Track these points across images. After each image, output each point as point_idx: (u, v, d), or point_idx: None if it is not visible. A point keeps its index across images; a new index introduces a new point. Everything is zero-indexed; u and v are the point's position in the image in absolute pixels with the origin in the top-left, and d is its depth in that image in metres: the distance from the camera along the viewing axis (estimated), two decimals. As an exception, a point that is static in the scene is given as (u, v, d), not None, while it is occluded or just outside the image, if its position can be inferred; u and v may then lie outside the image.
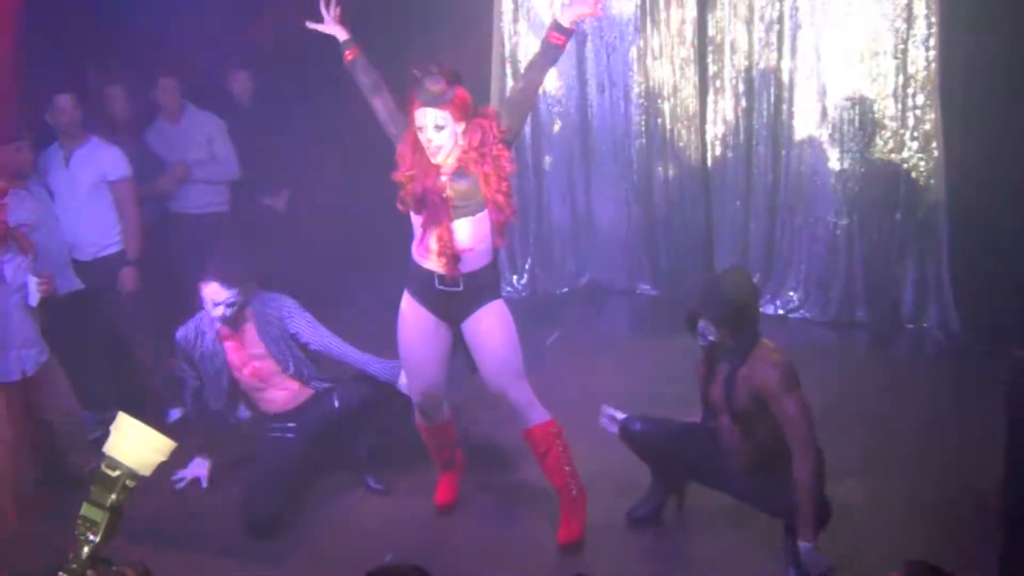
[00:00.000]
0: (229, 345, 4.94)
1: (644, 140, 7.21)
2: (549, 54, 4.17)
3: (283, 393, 4.99)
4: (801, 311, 6.91)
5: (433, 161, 4.07)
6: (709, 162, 7.10)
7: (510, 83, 7.28)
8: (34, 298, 4.80)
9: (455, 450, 4.77)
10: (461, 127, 4.04)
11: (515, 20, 7.24)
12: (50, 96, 5.54)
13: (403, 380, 4.72)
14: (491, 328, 4.26)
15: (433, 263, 4.17)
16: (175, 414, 5.99)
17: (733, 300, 3.96)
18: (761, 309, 4.15)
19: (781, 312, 6.95)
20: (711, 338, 3.98)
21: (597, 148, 7.34)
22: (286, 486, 4.81)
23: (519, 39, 7.26)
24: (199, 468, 5.14)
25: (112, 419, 5.52)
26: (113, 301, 5.74)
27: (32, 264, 4.84)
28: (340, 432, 4.98)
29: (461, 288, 4.20)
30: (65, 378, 5.15)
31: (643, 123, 7.16)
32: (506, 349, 4.29)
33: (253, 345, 4.94)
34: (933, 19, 6.19)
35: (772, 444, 3.99)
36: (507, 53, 7.29)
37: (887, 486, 4.74)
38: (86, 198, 5.60)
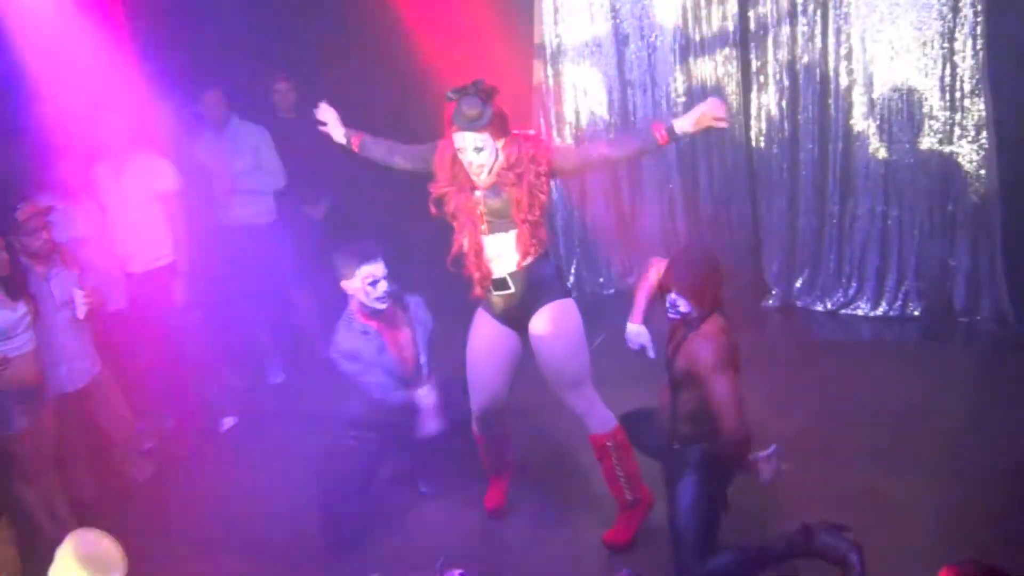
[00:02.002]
0: (388, 338, 4.72)
1: (688, 139, 7.14)
2: (646, 147, 4.15)
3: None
4: (853, 306, 6.82)
5: (477, 181, 4.09)
6: (755, 158, 7.03)
7: (551, 84, 7.29)
8: (81, 311, 4.88)
9: (507, 458, 4.78)
10: (501, 143, 4.05)
11: (556, 22, 7.22)
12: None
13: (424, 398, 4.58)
14: (546, 330, 4.23)
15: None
16: (228, 423, 6.07)
17: (699, 273, 4.00)
18: (724, 285, 4.13)
19: (832, 308, 6.86)
20: (682, 309, 4.01)
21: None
22: (369, 496, 4.77)
23: (560, 41, 7.24)
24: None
25: (166, 428, 5.64)
26: (165, 312, 5.81)
27: (78, 279, 4.92)
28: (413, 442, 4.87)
29: (513, 289, 4.21)
30: (118, 390, 5.23)
31: (686, 121, 7.11)
32: (562, 354, 4.24)
33: (407, 345, 4.78)
34: (979, 6, 6.08)
35: (689, 415, 4.06)
36: (548, 55, 7.28)
37: (943, 483, 4.67)
38: (137, 211, 5.68)
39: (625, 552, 4.39)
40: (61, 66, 5.76)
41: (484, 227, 4.13)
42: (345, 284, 4.62)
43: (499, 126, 4.02)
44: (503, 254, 4.17)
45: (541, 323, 4.22)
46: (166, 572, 4.63)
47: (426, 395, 4.59)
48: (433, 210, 4.24)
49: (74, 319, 4.91)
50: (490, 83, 4.02)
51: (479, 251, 4.16)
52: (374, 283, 4.55)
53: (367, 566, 4.44)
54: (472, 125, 3.97)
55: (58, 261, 4.89)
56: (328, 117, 4.64)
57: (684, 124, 4.04)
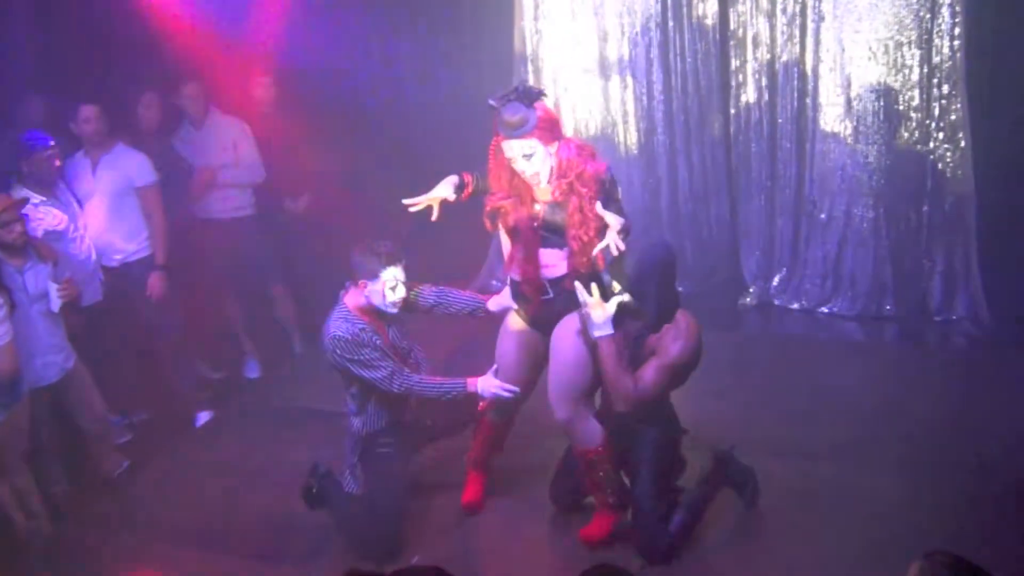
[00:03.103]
0: (383, 337, 4.52)
1: (667, 136, 7.18)
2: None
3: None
4: (829, 305, 6.86)
5: (536, 188, 4.00)
6: (733, 156, 7.06)
7: (531, 80, 7.29)
8: (56, 304, 4.85)
9: (498, 450, 4.78)
10: (553, 147, 3.93)
11: (536, 18, 7.23)
12: (75, 105, 5.59)
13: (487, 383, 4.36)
14: (566, 334, 4.19)
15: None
16: (203, 417, 6.05)
17: (651, 273, 4.02)
18: (677, 284, 4.20)
19: (808, 306, 6.90)
20: (633, 307, 4.06)
21: (620, 144, 7.31)
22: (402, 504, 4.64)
23: (540, 38, 7.24)
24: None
25: (139, 424, 5.58)
26: (141, 306, 5.78)
27: (53, 271, 4.89)
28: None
29: (551, 295, 4.18)
30: (92, 383, 5.20)
31: (666, 119, 7.13)
32: (572, 360, 4.18)
33: (399, 340, 4.62)
34: (957, 8, 6.12)
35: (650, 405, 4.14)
36: (528, 51, 7.28)
37: (915, 479, 4.70)
38: (113, 204, 5.65)
39: (601, 547, 4.39)
40: (39, 55, 5.76)
41: (540, 239, 4.06)
42: (362, 284, 4.38)
43: (548, 129, 3.90)
44: (554, 264, 4.11)
45: (564, 326, 4.20)
46: (140, 567, 4.61)
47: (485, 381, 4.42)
48: (488, 225, 4.18)
49: (49, 312, 4.87)
50: (530, 87, 3.93)
51: (534, 265, 4.09)
52: (394, 288, 4.38)
53: (342, 562, 4.44)
54: (516, 132, 3.85)
55: (32, 254, 4.85)
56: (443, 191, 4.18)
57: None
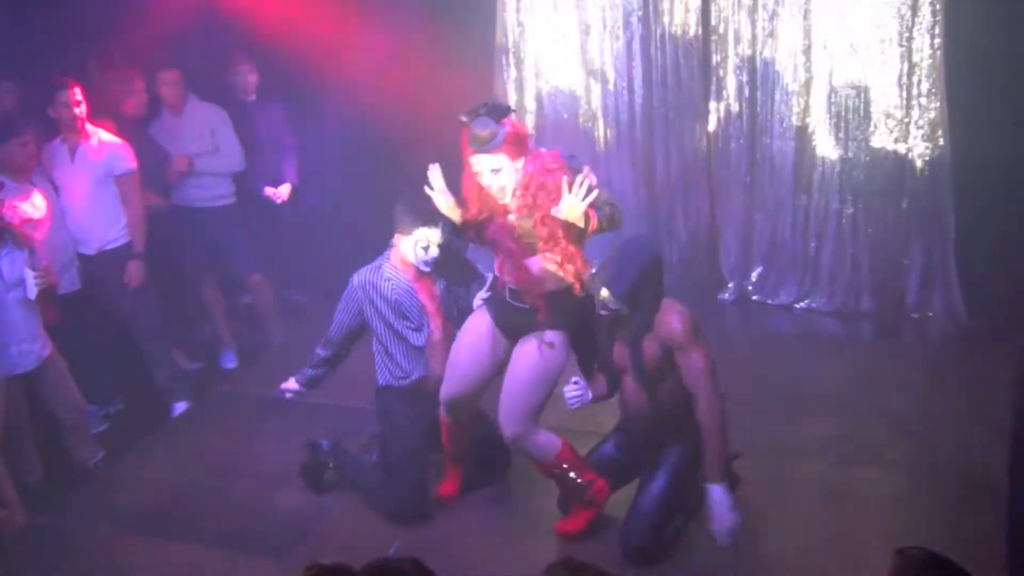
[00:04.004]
0: (422, 291, 4.71)
1: (647, 131, 7.18)
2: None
3: (438, 362, 4.72)
4: (806, 301, 6.89)
5: (501, 202, 4.00)
6: (713, 152, 7.07)
7: (513, 73, 7.28)
8: (32, 292, 4.81)
9: (468, 453, 4.76)
10: (520, 163, 3.94)
11: (518, 11, 7.21)
12: (53, 90, 5.54)
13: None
14: (528, 350, 4.14)
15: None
16: (180, 407, 6.02)
17: (639, 273, 3.98)
18: (663, 276, 4.15)
19: (787, 302, 6.92)
20: (613, 307, 3.98)
21: (601, 138, 7.31)
22: (426, 468, 4.76)
23: (522, 30, 7.23)
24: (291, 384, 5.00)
25: (116, 413, 5.56)
26: (119, 294, 5.75)
27: (30, 258, 4.85)
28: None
29: (526, 307, 4.13)
30: (68, 372, 5.16)
31: (646, 113, 7.13)
32: (528, 377, 4.13)
33: (435, 300, 4.76)
34: (938, 6, 6.15)
35: (672, 406, 4.10)
36: (510, 44, 7.27)
37: (893, 475, 4.74)
38: (91, 192, 5.61)
39: (577, 540, 4.40)
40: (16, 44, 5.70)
41: (526, 249, 4.03)
42: (398, 237, 4.64)
43: (516, 144, 3.91)
44: (544, 275, 4.07)
45: (528, 342, 4.15)
46: (115, 558, 4.59)
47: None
48: (471, 237, 4.18)
49: (25, 300, 4.83)
50: (499, 103, 3.93)
51: (525, 274, 4.06)
52: (426, 248, 4.57)
53: (320, 553, 4.42)
54: (485, 147, 3.87)
55: (8, 241, 4.81)
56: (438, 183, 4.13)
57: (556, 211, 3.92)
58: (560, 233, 3.94)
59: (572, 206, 3.82)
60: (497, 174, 3.92)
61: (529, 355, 4.13)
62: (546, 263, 4.03)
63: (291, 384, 4.98)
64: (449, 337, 4.65)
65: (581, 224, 3.87)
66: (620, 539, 4.20)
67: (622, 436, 4.43)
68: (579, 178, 3.81)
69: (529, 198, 3.93)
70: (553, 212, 3.87)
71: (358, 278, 4.73)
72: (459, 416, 4.55)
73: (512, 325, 4.23)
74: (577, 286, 4.04)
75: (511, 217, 4.03)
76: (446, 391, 4.46)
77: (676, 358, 4.00)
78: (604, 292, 3.98)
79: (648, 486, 4.23)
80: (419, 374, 4.79)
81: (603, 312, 4.05)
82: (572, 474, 4.30)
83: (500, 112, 3.90)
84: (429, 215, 4.31)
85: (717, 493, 3.94)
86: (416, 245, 4.57)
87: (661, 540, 4.19)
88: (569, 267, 4.01)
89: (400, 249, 4.67)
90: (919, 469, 4.78)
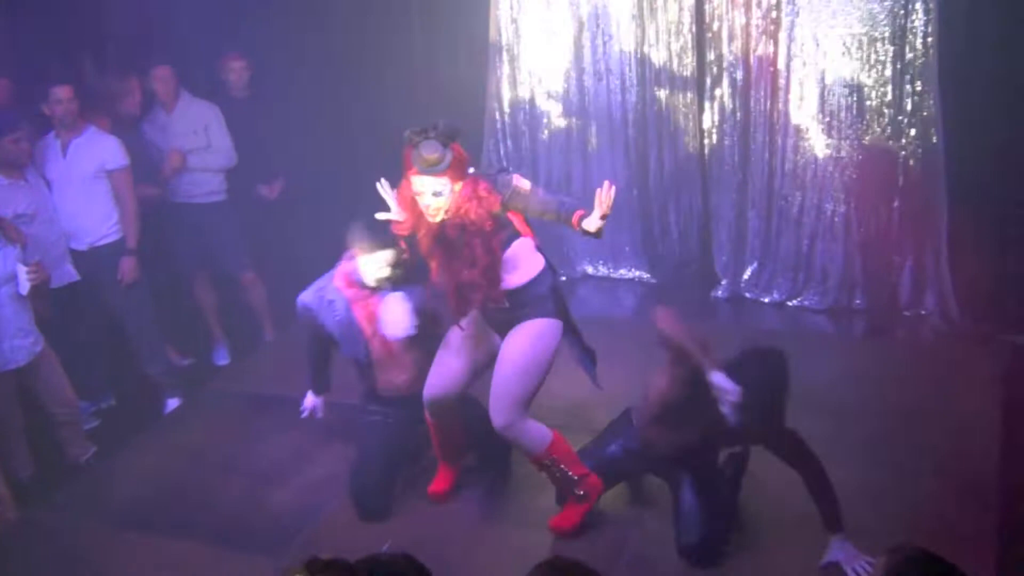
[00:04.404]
0: (360, 312, 4.72)
1: (641, 128, 7.19)
2: (561, 220, 4.09)
3: (404, 376, 4.80)
4: (799, 298, 6.90)
5: (429, 220, 4.06)
6: (706, 150, 7.07)
7: (506, 70, 7.27)
8: (24, 287, 4.80)
9: (460, 447, 4.76)
10: (458, 186, 4.00)
11: (511, 8, 7.21)
12: (46, 87, 5.53)
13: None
14: (517, 340, 4.20)
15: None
16: (172, 403, 6.01)
17: (768, 392, 3.91)
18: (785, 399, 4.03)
19: (779, 300, 6.94)
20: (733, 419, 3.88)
21: (594, 136, 7.32)
22: (394, 469, 4.80)
23: (515, 28, 7.23)
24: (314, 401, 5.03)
25: (107, 409, 5.55)
26: (111, 290, 5.74)
27: (22, 253, 4.84)
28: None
29: (507, 305, 4.19)
30: (60, 368, 5.16)
31: (640, 111, 7.14)
32: (519, 366, 4.18)
33: (373, 322, 4.76)
34: (931, 4, 6.16)
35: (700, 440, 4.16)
36: (503, 41, 7.27)
37: (882, 473, 4.74)
38: (84, 188, 5.61)
39: (571, 537, 4.40)
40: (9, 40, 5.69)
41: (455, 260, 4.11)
42: (356, 255, 4.61)
43: (458, 169, 3.98)
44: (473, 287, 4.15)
45: (517, 333, 4.20)
46: (106, 554, 4.58)
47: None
48: (404, 247, 4.23)
49: (17, 295, 4.82)
50: (448, 126, 3.95)
51: (459, 284, 4.14)
52: (389, 266, 4.56)
53: (314, 550, 4.42)
54: (431, 170, 3.92)
55: (0, 236, 4.80)
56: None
57: (589, 224, 3.97)
58: (481, 258, 4.05)
59: (594, 223, 3.94)
60: (438, 197, 3.98)
61: (517, 345, 4.18)
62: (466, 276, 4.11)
63: (310, 401, 5.02)
64: (397, 352, 4.71)
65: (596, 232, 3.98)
66: (678, 540, 4.22)
67: (634, 448, 4.39)
68: (603, 193, 3.89)
69: (458, 220, 4.02)
70: (583, 224, 3.95)
71: (301, 302, 4.74)
72: (442, 415, 4.54)
73: (498, 321, 4.28)
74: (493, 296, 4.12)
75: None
76: (429, 388, 4.47)
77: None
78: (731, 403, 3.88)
79: (684, 490, 4.24)
80: (376, 384, 4.84)
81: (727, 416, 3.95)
82: (563, 467, 4.32)
83: (449, 136, 3.95)
84: (385, 240, 4.39)
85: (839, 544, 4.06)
86: (376, 265, 4.55)
87: (718, 535, 4.21)
88: (479, 291, 4.10)
89: (358, 267, 4.62)
90: (910, 466, 4.79)
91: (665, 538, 4.31)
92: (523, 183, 4.05)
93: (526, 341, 4.17)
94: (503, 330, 4.27)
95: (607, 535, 4.41)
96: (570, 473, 4.33)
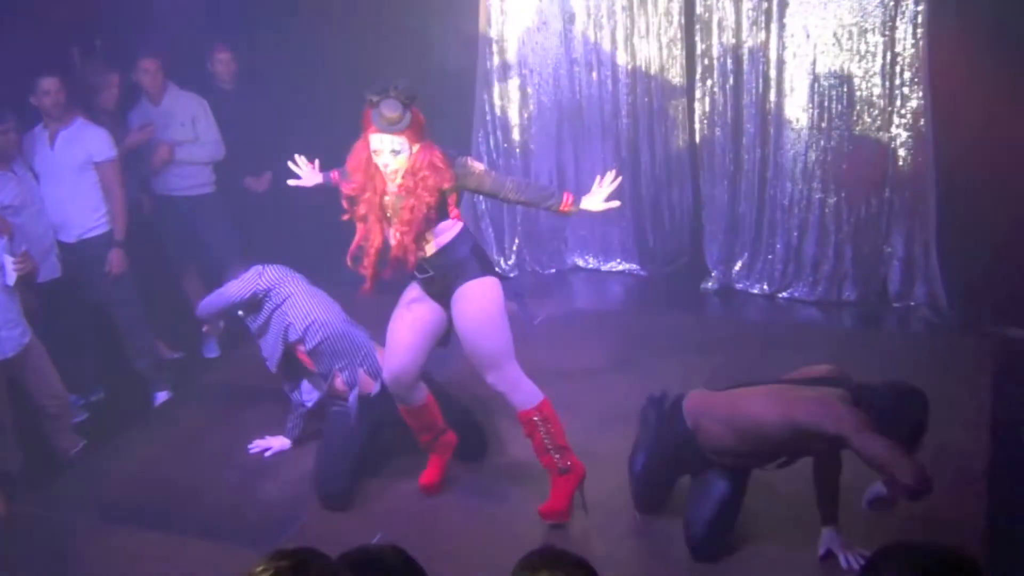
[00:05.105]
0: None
1: (631, 119, 7.18)
2: (548, 205, 4.33)
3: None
4: (789, 290, 6.90)
5: (390, 184, 4.18)
6: (697, 141, 7.07)
7: (496, 61, 7.25)
8: (11, 278, 4.79)
9: (441, 433, 4.76)
10: (416, 148, 4.11)
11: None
12: (33, 78, 5.50)
13: None
14: (463, 308, 4.30)
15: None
16: (162, 397, 5.99)
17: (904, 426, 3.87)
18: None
19: (769, 291, 6.94)
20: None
21: (584, 127, 7.31)
22: (358, 460, 4.85)
23: (505, 19, 7.21)
24: (278, 442, 5.21)
25: (96, 403, 5.52)
26: (99, 282, 5.72)
27: (9, 244, 4.82)
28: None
29: (432, 273, 4.30)
30: (48, 360, 5.14)
31: (631, 102, 7.13)
32: (476, 329, 4.29)
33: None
34: (920, -5, 6.18)
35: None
36: (493, 32, 7.24)
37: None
38: (72, 179, 5.59)
39: (563, 524, 4.41)
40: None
41: (388, 224, 4.25)
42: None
43: (417, 131, 4.09)
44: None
45: (458, 301, 4.30)
46: (95, 547, 4.57)
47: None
48: (346, 207, 4.32)
49: (3, 286, 4.80)
50: (409, 86, 4.07)
51: (381, 248, 4.27)
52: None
53: (305, 543, 4.41)
54: (391, 128, 4.03)
55: (-14, 227, 4.79)
56: (304, 172, 4.74)
57: (590, 203, 4.31)
58: (417, 224, 4.16)
59: (595, 201, 4.26)
60: (396, 156, 4.09)
61: (466, 314, 4.29)
62: (395, 238, 4.24)
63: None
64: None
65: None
66: (687, 535, 4.21)
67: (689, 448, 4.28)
68: (608, 177, 4.26)
69: (411, 183, 4.13)
70: (581, 203, 4.30)
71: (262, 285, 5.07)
72: (407, 396, 4.56)
73: (435, 292, 4.38)
74: (411, 260, 4.23)
75: (387, 198, 4.22)
76: (388, 369, 4.51)
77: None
78: None
79: (714, 485, 4.19)
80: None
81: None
82: (550, 429, 4.39)
83: (409, 96, 4.06)
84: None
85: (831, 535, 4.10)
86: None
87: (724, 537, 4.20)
88: (402, 254, 4.22)
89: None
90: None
91: (660, 530, 4.32)
92: (476, 164, 4.23)
93: (471, 307, 4.29)
94: (443, 300, 4.37)
95: (597, 526, 4.40)
96: (556, 440, 4.41)
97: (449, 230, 4.28)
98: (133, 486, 5.04)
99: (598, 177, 4.12)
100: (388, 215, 4.24)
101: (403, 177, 4.13)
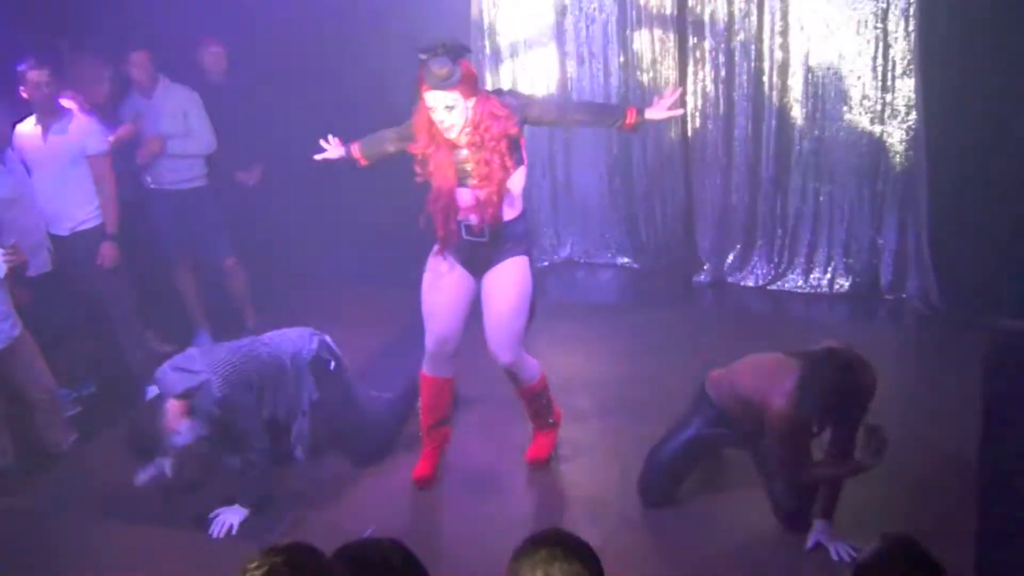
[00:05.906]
0: None
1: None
2: (613, 123, 4.45)
3: None
4: (782, 282, 6.91)
5: (448, 137, 4.21)
6: (689, 133, 7.07)
7: (488, 52, 7.23)
8: (1, 270, 4.76)
9: (443, 422, 4.79)
10: (471, 102, 4.15)
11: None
12: (24, 70, 5.47)
13: None
14: (503, 281, 4.38)
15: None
16: (153, 390, 5.96)
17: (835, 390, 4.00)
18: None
19: (762, 283, 6.95)
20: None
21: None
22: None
23: (497, 9, 7.19)
24: (235, 515, 4.63)
25: (88, 396, 5.50)
26: (90, 276, 5.70)
27: (-1, 237, 4.81)
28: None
29: (487, 239, 4.35)
30: (39, 353, 5.11)
31: (623, 95, 7.12)
32: (510, 306, 4.39)
33: None
34: (913, -13, 6.18)
35: None
36: (485, 22, 7.22)
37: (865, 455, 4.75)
38: (64, 172, 5.57)
39: (557, 514, 4.42)
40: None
41: (459, 182, 4.28)
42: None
43: (469, 84, 4.14)
44: (472, 207, 4.31)
45: (500, 273, 4.39)
46: (87, 541, 4.56)
47: None
48: (418, 171, 4.34)
49: (-6, 279, 4.79)
50: (457, 42, 4.15)
51: (451, 205, 4.30)
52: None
53: (298, 536, 4.42)
54: (442, 84, 4.08)
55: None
56: (330, 147, 4.77)
57: (654, 113, 4.39)
58: (496, 174, 4.21)
59: (659, 111, 4.40)
60: (450, 111, 4.14)
61: (505, 285, 4.39)
62: (477, 195, 4.27)
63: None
64: None
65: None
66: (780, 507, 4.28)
67: (716, 424, 4.39)
68: (670, 88, 4.63)
69: (477, 137, 4.19)
70: (646, 115, 4.38)
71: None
72: (440, 365, 4.62)
73: (474, 259, 4.43)
74: (492, 214, 4.27)
75: (455, 152, 4.26)
76: (436, 333, 4.54)
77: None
78: None
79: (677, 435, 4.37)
80: None
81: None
82: (548, 393, 4.72)
83: (457, 52, 4.13)
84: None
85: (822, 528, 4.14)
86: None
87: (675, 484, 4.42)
88: (490, 210, 4.26)
89: None
90: (892, 448, 4.79)
91: (656, 522, 4.33)
92: (531, 95, 4.38)
93: (511, 281, 4.38)
94: (475, 267, 4.43)
95: (595, 518, 4.41)
96: (550, 404, 4.74)
97: (519, 204, 4.36)
98: (124, 480, 5.01)
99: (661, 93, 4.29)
100: (461, 177, 4.27)
101: (468, 134, 4.18)
